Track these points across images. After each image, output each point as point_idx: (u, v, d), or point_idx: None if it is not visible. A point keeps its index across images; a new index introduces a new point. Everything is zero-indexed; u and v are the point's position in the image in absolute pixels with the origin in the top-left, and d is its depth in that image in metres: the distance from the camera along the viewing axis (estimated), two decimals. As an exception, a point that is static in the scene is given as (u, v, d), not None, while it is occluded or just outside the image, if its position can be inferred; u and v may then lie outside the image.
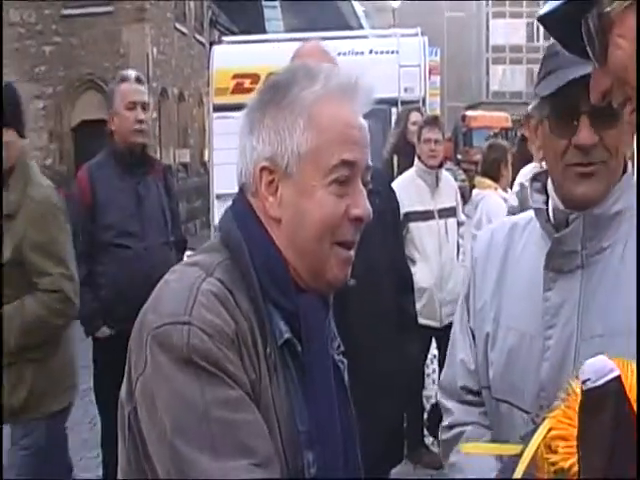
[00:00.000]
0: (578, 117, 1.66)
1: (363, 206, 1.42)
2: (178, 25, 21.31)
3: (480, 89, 72.98)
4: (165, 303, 1.32)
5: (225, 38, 11.51)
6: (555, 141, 1.72)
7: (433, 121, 5.67)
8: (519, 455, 1.15)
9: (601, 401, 0.98)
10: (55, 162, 19.41)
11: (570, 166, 1.70)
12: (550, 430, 1.10)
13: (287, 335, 1.38)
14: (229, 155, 7.47)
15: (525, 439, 1.17)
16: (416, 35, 9.84)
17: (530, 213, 1.87)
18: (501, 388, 1.80)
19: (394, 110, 8.60)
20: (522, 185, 4.43)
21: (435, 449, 5.57)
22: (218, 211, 8.10)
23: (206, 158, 20.01)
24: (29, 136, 21.80)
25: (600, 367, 1.00)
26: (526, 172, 4.51)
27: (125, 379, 1.36)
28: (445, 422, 1.93)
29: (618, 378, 0.99)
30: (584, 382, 1.01)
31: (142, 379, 1.29)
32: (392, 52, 9.34)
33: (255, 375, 1.32)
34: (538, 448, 1.10)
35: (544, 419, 1.13)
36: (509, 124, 27.33)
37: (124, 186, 4.20)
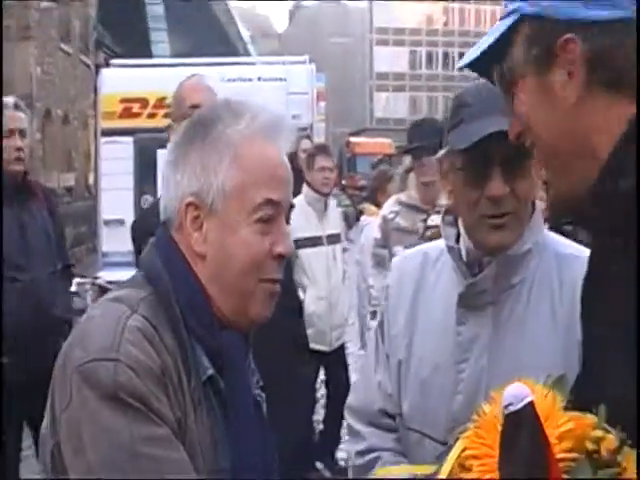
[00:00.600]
0: (490, 169, 1.71)
1: (287, 244, 1.46)
2: (63, 45, 20.87)
3: (364, 115, 74.26)
4: (92, 339, 1.32)
5: (113, 61, 11.38)
6: (468, 192, 1.76)
7: (325, 149, 5.80)
8: (434, 474, 1.21)
9: (518, 422, 1.06)
10: None
11: (483, 217, 1.74)
12: (464, 450, 1.15)
13: (210, 371, 1.40)
14: (117, 180, 7.39)
15: (440, 459, 1.23)
16: (304, 63, 9.99)
17: (442, 243, 1.90)
18: (414, 418, 1.83)
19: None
20: (384, 218, 4.58)
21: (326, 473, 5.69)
22: (106, 237, 8.00)
23: (91, 182, 19.63)
24: None
25: (518, 393, 1.08)
26: (389, 204, 4.67)
27: (47, 414, 1.35)
28: (358, 447, 1.93)
29: (532, 403, 1.07)
30: (506, 407, 1.08)
31: (66, 415, 1.29)
32: (280, 79, 9.41)
33: (181, 412, 1.33)
34: (452, 468, 1.15)
35: (457, 439, 1.18)
36: (392, 151, 27.93)
37: (7, 217, 4.10)
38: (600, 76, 1.20)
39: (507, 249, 1.77)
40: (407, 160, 4.78)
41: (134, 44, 24.57)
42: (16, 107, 4.26)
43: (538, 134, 1.27)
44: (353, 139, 44.82)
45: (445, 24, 76.95)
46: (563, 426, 1.08)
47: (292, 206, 1.51)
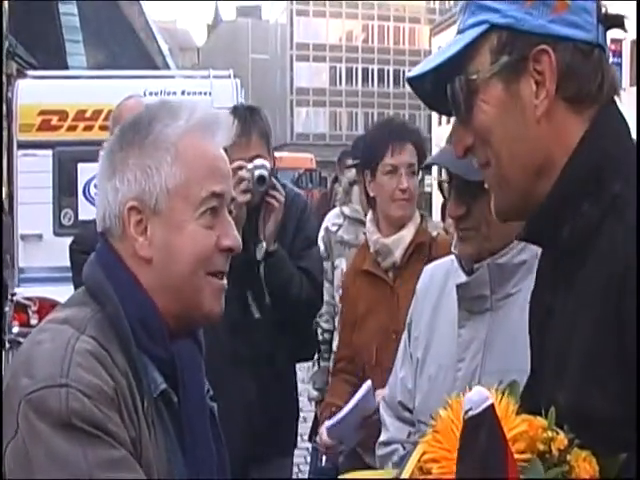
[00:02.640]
0: (449, 190, 1.92)
1: (233, 236, 1.46)
2: (-27, 55, 20.30)
3: (285, 130, 74.52)
4: (39, 366, 1.27)
5: (30, 72, 11.08)
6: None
7: None
8: (395, 479, 1.24)
9: (477, 425, 1.09)
10: None
11: (454, 227, 1.96)
12: (423, 454, 1.18)
13: (162, 386, 1.38)
14: (35, 194, 7.15)
15: (399, 464, 1.26)
16: (229, 77, 9.96)
17: None
18: (422, 412, 1.97)
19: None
20: (327, 229, 4.56)
21: None
22: (23, 252, 7.74)
23: (4, 196, 19.09)
24: None
25: (478, 398, 1.10)
26: (332, 216, 4.68)
27: None
28: (382, 438, 2.12)
29: (492, 406, 1.10)
30: (466, 412, 1.11)
31: (13, 445, 1.24)
32: (205, 93, 9.33)
33: (135, 432, 1.31)
34: (412, 472, 1.18)
35: (417, 444, 1.21)
36: (313, 165, 28.07)
37: None
38: (565, 91, 1.25)
39: (469, 259, 1.95)
40: (349, 173, 4.78)
41: (48, 55, 24.07)
42: None
43: (495, 144, 1.28)
44: (274, 154, 44.82)
45: (364, 41, 77.90)
46: (516, 428, 1.13)
47: (233, 199, 1.53)
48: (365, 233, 3.26)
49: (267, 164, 3.15)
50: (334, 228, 4.61)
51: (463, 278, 1.99)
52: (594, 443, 1.15)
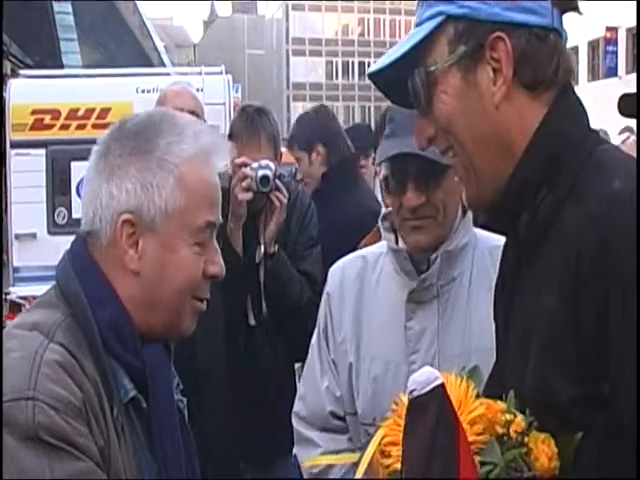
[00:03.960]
0: (406, 181, 1.92)
1: (219, 264, 1.47)
2: (-34, 55, 20.29)
3: (282, 126, 74.32)
4: (7, 377, 1.26)
5: (22, 72, 11.08)
6: (391, 198, 1.99)
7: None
8: (357, 462, 1.27)
9: (425, 405, 1.11)
10: None
11: (404, 220, 1.95)
12: (384, 437, 1.22)
13: (132, 393, 1.38)
14: (28, 193, 7.15)
15: (363, 448, 1.29)
16: (220, 73, 9.98)
17: (378, 248, 2.05)
18: (369, 414, 1.92)
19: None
20: None
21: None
22: (17, 252, 7.74)
23: None
24: None
25: (424, 378, 1.12)
26: None
27: None
28: (313, 453, 2.01)
29: (442, 385, 1.12)
30: (410, 392, 1.13)
31: None
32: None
33: (104, 441, 1.30)
34: (374, 454, 1.22)
35: (378, 428, 1.25)
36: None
37: None
38: (521, 77, 1.27)
39: (426, 249, 1.95)
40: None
41: (43, 54, 24.03)
42: None
43: (457, 134, 1.30)
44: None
45: (361, 34, 77.78)
46: (475, 411, 1.17)
47: (216, 225, 1.50)
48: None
49: (272, 165, 3.12)
50: None
51: (393, 273, 1.98)
52: (557, 425, 1.17)
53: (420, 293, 1.93)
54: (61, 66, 21.91)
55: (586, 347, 1.15)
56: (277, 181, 3.14)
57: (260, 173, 3.07)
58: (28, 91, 9.05)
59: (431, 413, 1.09)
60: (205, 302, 1.49)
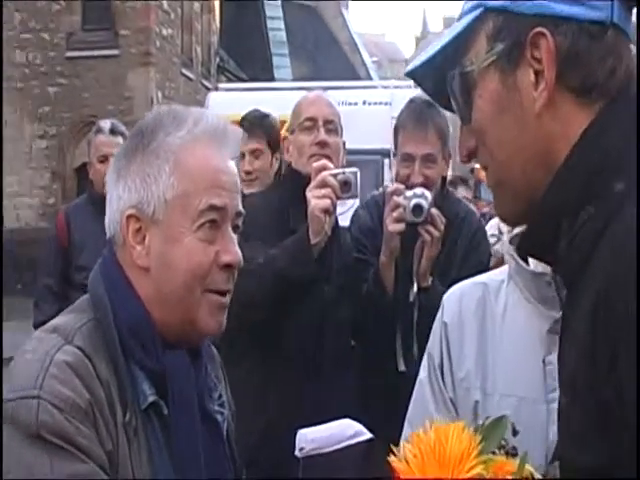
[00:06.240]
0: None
1: (233, 252, 1.40)
2: (184, 70, 21.50)
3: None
4: (18, 376, 1.29)
5: (221, 85, 11.59)
6: None
7: (465, 180, 5.68)
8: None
9: (318, 467, 0.99)
10: (57, 201, 19.45)
11: None
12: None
13: (152, 398, 1.36)
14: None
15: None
16: (409, 87, 9.94)
17: (500, 273, 1.83)
18: None
19: (386, 161, 8.59)
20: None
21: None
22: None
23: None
24: (32, 175, 21.62)
25: (317, 437, 1.01)
26: (492, 225, 4.40)
27: None
28: None
29: (368, 442, 1.01)
30: (300, 450, 1.02)
31: None
32: (385, 103, 9.34)
33: (112, 445, 1.29)
34: None
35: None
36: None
37: (98, 229, 4.15)
38: (567, 80, 1.07)
39: None
40: None
41: (256, 69, 25.13)
42: (112, 132, 4.31)
43: (491, 147, 1.12)
44: (477, 165, 44.53)
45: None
46: (472, 470, 1.06)
47: (240, 214, 1.44)
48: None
49: (428, 194, 2.83)
50: (492, 240, 4.40)
51: (522, 300, 1.75)
52: None
53: (556, 324, 1.63)
54: (272, 79, 22.84)
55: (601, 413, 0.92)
56: (434, 211, 2.83)
57: (413, 202, 2.79)
58: (224, 103, 9.42)
59: (347, 475, 0.91)
60: (227, 296, 1.42)
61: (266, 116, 4.11)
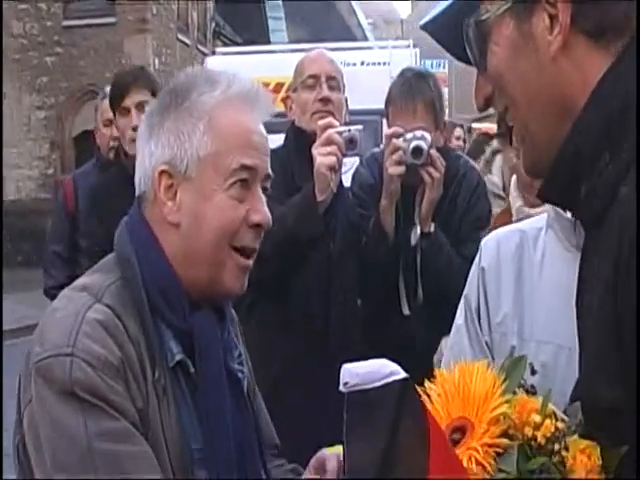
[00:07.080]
0: None
1: (263, 212, 1.43)
2: (180, 36, 21.35)
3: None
4: (49, 334, 1.30)
5: (218, 49, 11.54)
6: None
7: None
8: None
9: (375, 402, 0.97)
10: (57, 171, 19.44)
11: None
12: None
13: (179, 356, 1.38)
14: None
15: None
16: (408, 47, 9.93)
17: (537, 221, 1.81)
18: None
19: (384, 121, 8.58)
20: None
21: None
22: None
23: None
24: (31, 146, 21.55)
25: (368, 371, 0.99)
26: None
27: (16, 408, 1.34)
28: None
29: (404, 381, 0.99)
30: (345, 384, 0.99)
31: (28, 410, 1.29)
32: (383, 64, 9.32)
33: (143, 402, 1.31)
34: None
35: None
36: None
37: None
38: (582, 23, 1.07)
39: None
40: (495, 142, 4.47)
41: (252, 33, 24.87)
42: None
43: (510, 90, 1.14)
44: (476, 125, 44.03)
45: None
46: (497, 409, 1.05)
47: (269, 176, 1.46)
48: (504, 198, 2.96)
49: (427, 136, 2.83)
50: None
51: (561, 250, 1.71)
52: (601, 436, 1.02)
53: None
54: (268, 44, 22.61)
55: (625, 346, 0.98)
56: (434, 153, 2.84)
57: (413, 144, 2.78)
58: (222, 67, 9.34)
59: (385, 412, 0.95)
60: (250, 259, 1.44)
61: (142, 67, 3.95)
